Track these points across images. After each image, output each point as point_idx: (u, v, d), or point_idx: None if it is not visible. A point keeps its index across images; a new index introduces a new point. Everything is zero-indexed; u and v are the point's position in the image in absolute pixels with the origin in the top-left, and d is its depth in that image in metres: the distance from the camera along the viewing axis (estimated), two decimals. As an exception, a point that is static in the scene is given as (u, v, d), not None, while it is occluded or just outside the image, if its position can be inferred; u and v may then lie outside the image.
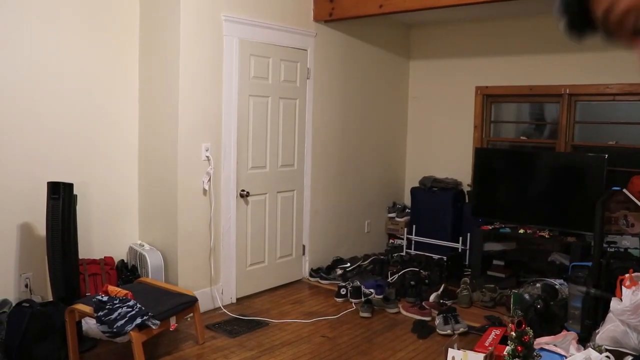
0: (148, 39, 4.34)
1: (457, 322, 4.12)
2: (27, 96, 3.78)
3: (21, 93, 3.74)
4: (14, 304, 3.40)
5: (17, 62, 3.71)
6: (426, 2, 4.47)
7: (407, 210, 6.21)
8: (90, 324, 3.61)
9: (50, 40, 3.86)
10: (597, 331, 3.43)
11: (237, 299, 4.68)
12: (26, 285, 3.81)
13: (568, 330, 3.55)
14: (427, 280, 5.05)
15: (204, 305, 4.15)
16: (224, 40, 4.37)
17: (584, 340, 3.46)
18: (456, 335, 3.83)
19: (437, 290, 4.80)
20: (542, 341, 3.14)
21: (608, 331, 3.31)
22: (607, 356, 2.54)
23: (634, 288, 3.23)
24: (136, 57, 4.39)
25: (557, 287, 4.24)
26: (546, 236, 4.96)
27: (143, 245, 4.35)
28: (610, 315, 3.37)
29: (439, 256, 5.50)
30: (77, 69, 4.03)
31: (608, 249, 3.99)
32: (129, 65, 4.36)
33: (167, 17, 4.17)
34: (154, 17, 4.29)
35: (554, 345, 3.10)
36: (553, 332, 3.52)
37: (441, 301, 4.62)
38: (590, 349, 2.76)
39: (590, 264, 3.90)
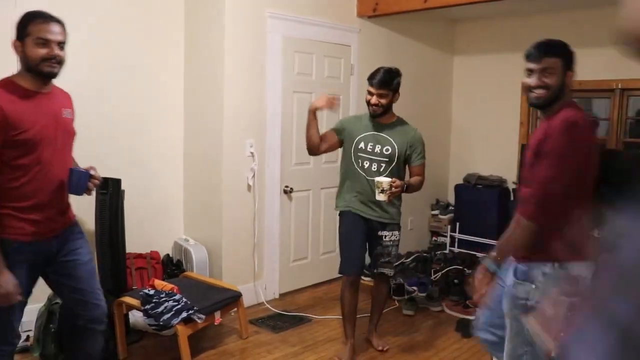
0: (193, 36, 4.39)
1: (502, 321, 4.04)
2: (77, 93, 3.87)
3: (71, 90, 3.83)
4: (65, 296, 3.48)
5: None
6: (471, -5, 4.40)
7: (450, 207, 6.12)
8: (137, 317, 3.68)
9: (101, 39, 3.95)
10: None
11: (280, 295, 4.70)
12: (76, 278, 3.90)
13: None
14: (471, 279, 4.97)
15: (247, 300, 4.19)
16: (268, 36, 4.39)
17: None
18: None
19: (481, 289, 4.72)
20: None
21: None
22: None
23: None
24: (182, 54, 4.45)
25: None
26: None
27: (188, 240, 4.41)
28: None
29: (483, 254, 5.40)
30: (125, 67, 4.11)
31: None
32: (175, 63, 4.42)
33: (211, 14, 4.21)
34: (198, 14, 4.33)
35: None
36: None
37: (486, 300, 4.54)
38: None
39: None
